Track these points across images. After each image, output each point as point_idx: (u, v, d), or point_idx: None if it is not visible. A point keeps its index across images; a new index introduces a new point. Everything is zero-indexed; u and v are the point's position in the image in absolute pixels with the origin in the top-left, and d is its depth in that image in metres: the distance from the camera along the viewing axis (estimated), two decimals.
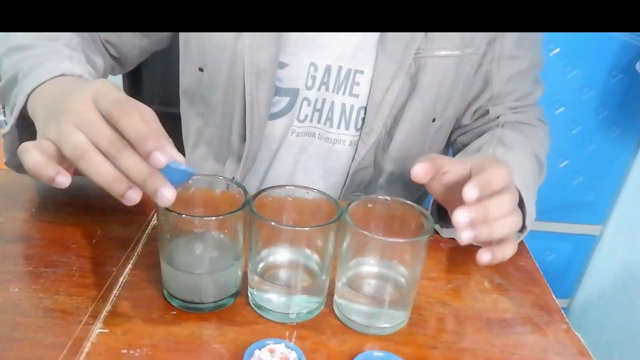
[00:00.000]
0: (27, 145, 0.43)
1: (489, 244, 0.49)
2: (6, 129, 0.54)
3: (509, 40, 0.73)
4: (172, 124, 0.77)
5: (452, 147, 0.85)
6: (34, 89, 0.52)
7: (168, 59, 0.77)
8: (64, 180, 0.43)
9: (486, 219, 0.47)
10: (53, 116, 0.45)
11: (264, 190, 0.50)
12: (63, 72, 0.53)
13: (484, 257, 0.49)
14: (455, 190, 0.52)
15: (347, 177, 0.75)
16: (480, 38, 0.71)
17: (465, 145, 0.79)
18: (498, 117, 0.78)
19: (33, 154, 0.43)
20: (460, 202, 0.49)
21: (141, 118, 0.42)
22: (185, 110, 0.81)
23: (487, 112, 0.78)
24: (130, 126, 0.41)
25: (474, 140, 0.77)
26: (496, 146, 0.69)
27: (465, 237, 0.47)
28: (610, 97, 1.30)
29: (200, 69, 0.72)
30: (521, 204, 0.58)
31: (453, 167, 0.53)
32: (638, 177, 1.38)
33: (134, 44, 0.74)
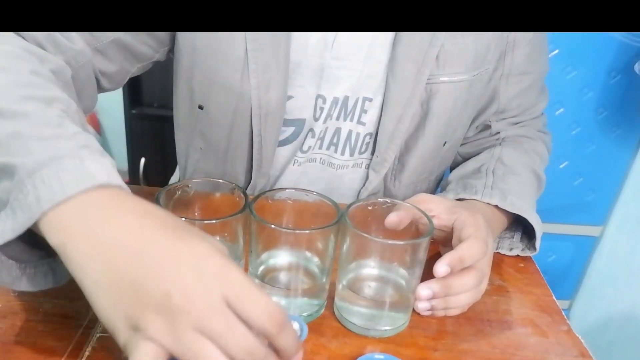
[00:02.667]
0: None
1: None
2: None
3: (519, 54, 0.70)
4: (172, 127, 0.77)
5: None
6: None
7: (167, 63, 0.76)
8: None
9: (447, 294, 0.51)
10: (139, 300, 0.34)
11: (264, 193, 0.50)
12: (100, 183, 0.37)
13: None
14: (439, 232, 0.56)
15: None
16: (491, 55, 0.68)
17: (464, 157, 0.78)
18: (499, 132, 0.77)
19: None
20: (443, 242, 0.57)
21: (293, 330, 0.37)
22: (181, 141, 0.77)
23: (490, 126, 0.77)
24: (288, 345, 0.36)
25: (473, 151, 0.77)
26: (495, 166, 0.69)
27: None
28: (610, 97, 1.30)
29: (200, 107, 0.68)
30: (517, 219, 0.64)
31: (440, 214, 0.55)
32: (638, 178, 1.38)
33: (127, 70, 0.66)
